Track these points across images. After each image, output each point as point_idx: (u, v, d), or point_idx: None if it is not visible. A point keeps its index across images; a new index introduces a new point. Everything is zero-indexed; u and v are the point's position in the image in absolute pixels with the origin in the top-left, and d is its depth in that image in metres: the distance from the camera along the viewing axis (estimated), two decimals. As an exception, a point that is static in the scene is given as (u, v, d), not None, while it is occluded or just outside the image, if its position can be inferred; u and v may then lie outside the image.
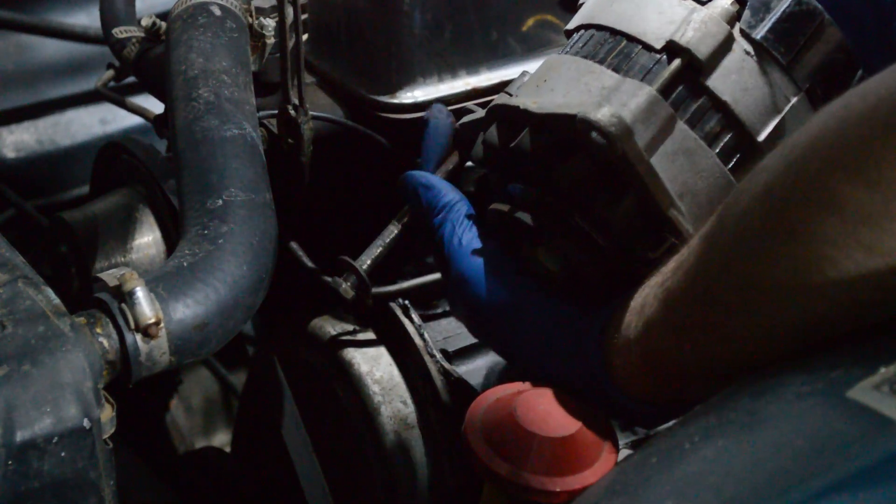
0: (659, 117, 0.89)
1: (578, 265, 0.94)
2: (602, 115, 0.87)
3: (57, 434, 0.74)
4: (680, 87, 0.91)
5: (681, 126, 0.90)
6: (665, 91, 0.90)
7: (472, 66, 1.21)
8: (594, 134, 0.87)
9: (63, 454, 0.75)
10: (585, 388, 0.90)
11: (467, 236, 0.98)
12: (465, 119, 1.06)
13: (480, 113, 1.04)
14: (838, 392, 0.68)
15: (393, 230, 1.06)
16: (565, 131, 0.90)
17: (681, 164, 0.90)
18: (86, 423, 0.75)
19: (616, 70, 0.92)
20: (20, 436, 0.73)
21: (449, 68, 1.19)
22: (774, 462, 0.66)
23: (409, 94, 1.18)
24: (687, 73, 0.91)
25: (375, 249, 1.05)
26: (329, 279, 1.06)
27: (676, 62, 0.90)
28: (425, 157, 1.06)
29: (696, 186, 0.90)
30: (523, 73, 1.01)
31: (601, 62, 0.93)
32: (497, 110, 0.98)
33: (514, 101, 0.96)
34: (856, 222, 0.69)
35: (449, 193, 1.01)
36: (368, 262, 1.05)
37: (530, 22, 1.22)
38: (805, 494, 0.64)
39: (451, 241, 0.99)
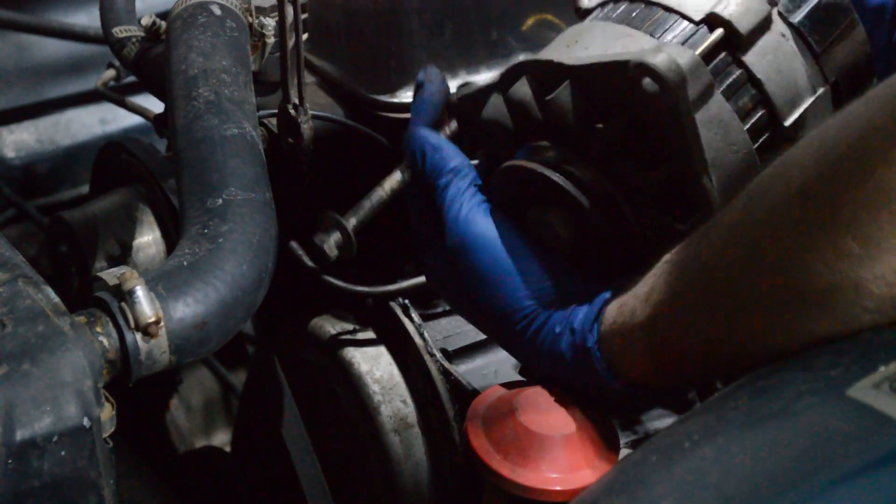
0: (701, 81, 0.85)
1: (594, 234, 0.90)
2: (660, 60, 0.83)
3: (57, 433, 0.74)
4: (718, 58, 0.88)
5: (718, 96, 0.87)
6: (705, 59, 0.87)
7: (472, 66, 1.20)
8: (646, 81, 0.83)
9: (63, 453, 0.74)
10: (575, 369, 0.88)
11: (472, 202, 0.94)
12: (464, 92, 1.01)
13: (479, 85, 0.99)
14: (838, 390, 0.68)
15: (381, 193, 1.04)
16: (611, 83, 0.86)
17: (715, 133, 0.87)
18: (86, 421, 0.75)
19: (652, 36, 0.90)
20: (20, 435, 0.73)
21: (449, 68, 1.19)
22: (774, 461, 0.66)
23: (409, 94, 1.17)
24: (726, 45, 0.89)
25: (362, 210, 1.04)
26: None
27: (718, 32, 0.88)
28: (417, 121, 1.00)
29: (725, 159, 0.87)
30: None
31: (636, 28, 0.91)
32: (524, 66, 0.92)
33: (546, 56, 0.91)
34: None
35: (458, 158, 0.96)
36: (354, 220, 1.03)
37: (530, 21, 1.22)
38: (805, 493, 0.64)
39: (452, 206, 0.94)
